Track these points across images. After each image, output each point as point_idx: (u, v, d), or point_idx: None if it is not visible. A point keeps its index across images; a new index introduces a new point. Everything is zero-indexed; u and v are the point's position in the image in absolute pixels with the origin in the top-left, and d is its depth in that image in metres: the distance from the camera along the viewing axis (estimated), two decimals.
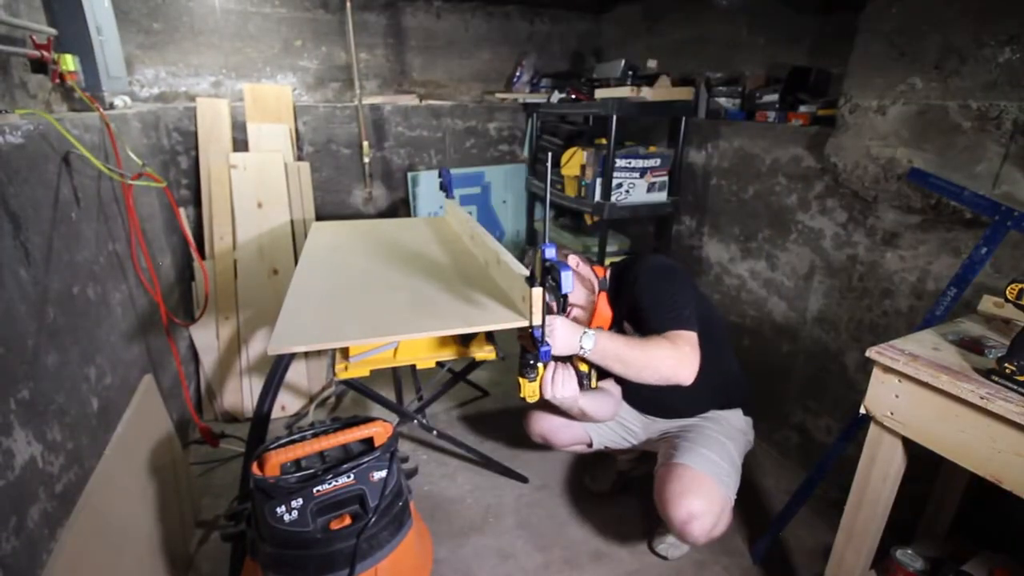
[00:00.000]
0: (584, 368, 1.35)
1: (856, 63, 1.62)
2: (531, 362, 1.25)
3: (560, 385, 1.29)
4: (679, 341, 1.28)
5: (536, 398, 1.29)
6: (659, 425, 1.62)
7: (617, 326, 1.52)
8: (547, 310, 1.20)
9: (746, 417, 1.60)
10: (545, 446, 1.74)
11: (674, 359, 1.26)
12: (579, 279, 1.48)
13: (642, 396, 1.62)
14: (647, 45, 2.79)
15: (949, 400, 0.99)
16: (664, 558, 1.62)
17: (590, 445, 1.68)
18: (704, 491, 1.32)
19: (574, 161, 2.42)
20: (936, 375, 1.00)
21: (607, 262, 1.65)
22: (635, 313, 1.41)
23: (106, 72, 1.69)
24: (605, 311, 1.52)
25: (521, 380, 1.27)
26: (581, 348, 1.25)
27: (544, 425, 1.67)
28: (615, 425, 1.65)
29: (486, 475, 1.97)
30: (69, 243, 1.25)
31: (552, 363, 1.31)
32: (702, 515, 1.30)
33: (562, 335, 1.23)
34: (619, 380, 1.62)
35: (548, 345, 1.21)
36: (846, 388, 1.84)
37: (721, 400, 1.58)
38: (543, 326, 1.20)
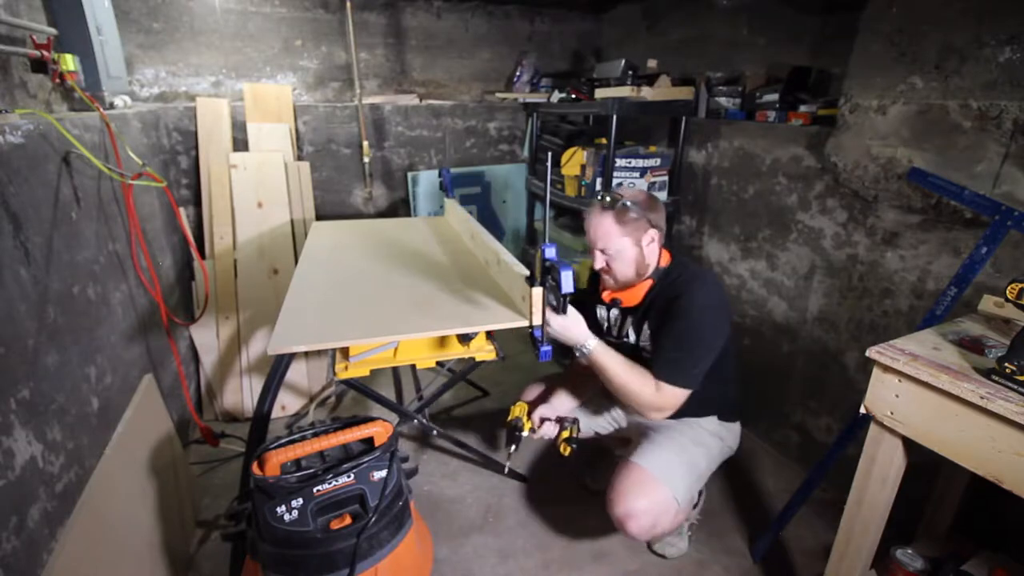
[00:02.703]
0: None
1: (856, 63, 1.62)
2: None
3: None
4: (666, 394, 1.34)
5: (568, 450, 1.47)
6: (636, 418, 1.64)
7: (637, 321, 1.51)
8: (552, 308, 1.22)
9: (728, 423, 1.58)
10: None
11: (649, 404, 1.34)
12: (638, 258, 1.40)
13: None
14: (647, 45, 2.79)
15: (949, 400, 0.99)
16: (662, 556, 1.62)
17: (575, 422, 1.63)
18: (646, 491, 1.35)
19: (574, 161, 2.42)
20: (936, 375, 1.00)
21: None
22: (660, 326, 1.41)
23: (106, 72, 1.69)
24: (636, 296, 1.48)
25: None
26: (583, 348, 1.33)
27: (531, 394, 1.72)
28: (600, 412, 1.69)
29: (486, 475, 1.97)
30: (69, 243, 1.25)
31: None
32: (640, 514, 1.33)
33: (576, 331, 1.32)
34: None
35: (549, 345, 1.22)
36: (846, 388, 1.84)
37: (697, 409, 1.52)
38: (543, 326, 1.20)
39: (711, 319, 1.37)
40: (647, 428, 1.56)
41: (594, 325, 1.50)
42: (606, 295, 1.54)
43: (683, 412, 1.53)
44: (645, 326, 1.49)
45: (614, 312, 1.58)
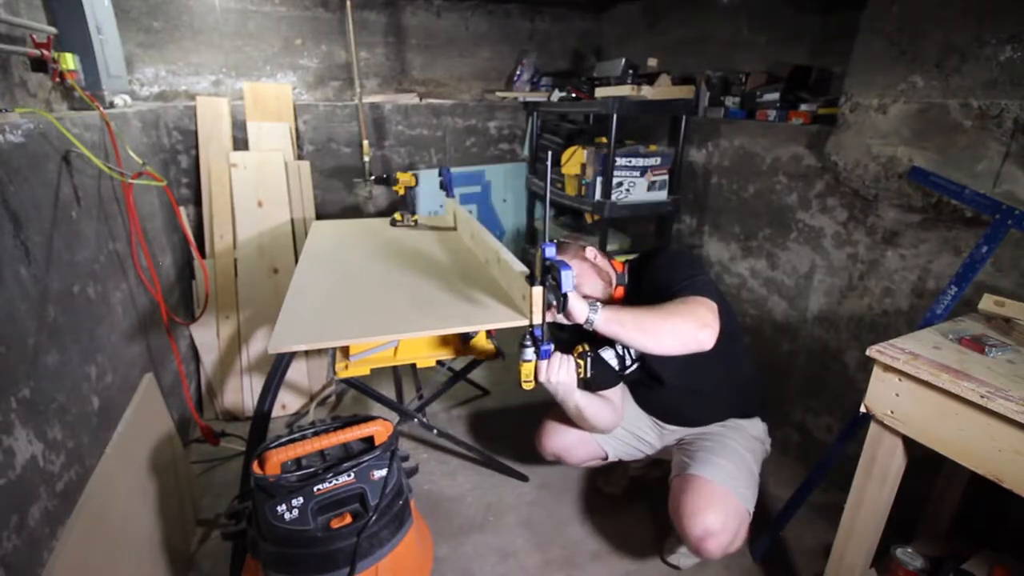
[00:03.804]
0: (579, 360, 1.32)
1: (857, 62, 1.62)
2: (528, 345, 1.23)
3: (556, 370, 1.26)
4: (695, 304, 1.23)
5: (531, 384, 1.26)
6: (675, 434, 1.60)
7: None
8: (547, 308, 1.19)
9: (762, 423, 1.57)
10: (557, 463, 1.69)
11: (694, 320, 1.20)
12: (596, 271, 1.45)
13: (658, 404, 1.59)
14: (648, 44, 2.79)
15: (949, 399, 0.99)
16: (676, 567, 1.59)
17: (605, 459, 1.64)
18: (721, 506, 1.28)
19: (574, 160, 2.42)
20: (936, 374, 1.00)
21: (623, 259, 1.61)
22: (653, 298, 1.33)
23: (106, 71, 1.69)
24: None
25: (520, 364, 1.25)
26: (588, 321, 1.18)
27: (557, 443, 1.62)
28: (628, 436, 1.62)
29: (486, 474, 1.97)
30: (69, 242, 1.25)
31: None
32: (719, 531, 1.25)
33: (574, 304, 1.17)
34: (633, 389, 1.59)
35: (549, 343, 1.21)
36: (846, 387, 1.84)
37: (739, 408, 1.55)
38: (543, 325, 1.20)
39: (681, 253, 1.52)
40: (692, 440, 1.52)
41: (605, 369, 1.46)
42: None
43: (729, 412, 1.54)
44: None
45: (619, 344, 1.49)
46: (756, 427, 1.54)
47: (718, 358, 1.30)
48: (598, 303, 1.21)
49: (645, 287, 1.42)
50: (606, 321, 1.19)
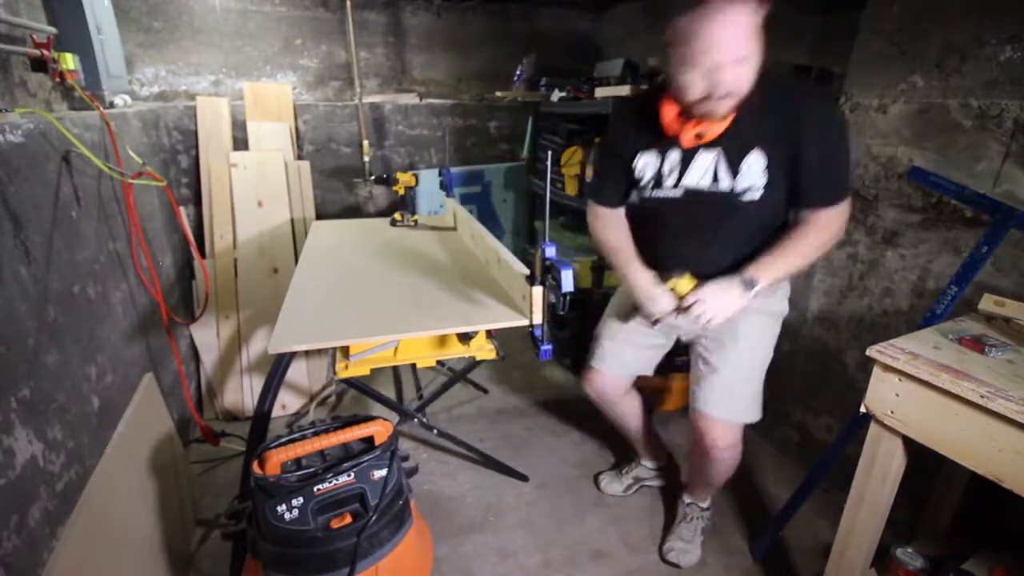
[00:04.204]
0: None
1: (857, 62, 1.62)
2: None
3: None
4: (835, 216, 1.25)
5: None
6: (695, 328, 1.44)
7: (731, 156, 1.22)
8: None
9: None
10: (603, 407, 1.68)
11: (831, 240, 1.27)
12: (758, 63, 1.10)
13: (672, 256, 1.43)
14: (647, 44, 2.79)
15: (949, 399, 0.99)
16: (676, 565, 1.58)
17: (632, 376, 1.63)
18: (721, 435, 1.41)
19: (574, 160, 2.42)
20: (936, 374, 1.00)
21: None
22: (791, 149, 1.16)
23: (106, 71, 1.70)
24: (719, 127, 1.19)
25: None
26: (755, 291, 1.22)
27: (600, 383, 1.60)
28: (651, 345, 1.57)
29: (486, 474, 1.97)
30: (69, 242, 1.25)
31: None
32: (722, 449, 1.43)
33: (724, 303, 1.22)
34: (653, 261, 1.42)
35: (549, 344, 1.21)
36: (846, 387, 1.84)
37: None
38: (543, 325, 1.20)
39: (840, 122, 1.38)
40: (706, 341, 1.44)
41: (620, 182, 1.44)
42: (689, 132, 1.20)
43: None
44: (748, 160, 1.20)
45: (674, 154, 1.28)
46: (783, 296, 1.48)
47: (765, 211, 1.27)
48: (754, 279, 1.22)
49: (771, 120, 1.17)
50: (768, 286, 1.25)
